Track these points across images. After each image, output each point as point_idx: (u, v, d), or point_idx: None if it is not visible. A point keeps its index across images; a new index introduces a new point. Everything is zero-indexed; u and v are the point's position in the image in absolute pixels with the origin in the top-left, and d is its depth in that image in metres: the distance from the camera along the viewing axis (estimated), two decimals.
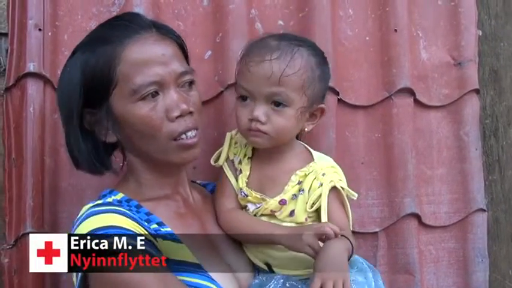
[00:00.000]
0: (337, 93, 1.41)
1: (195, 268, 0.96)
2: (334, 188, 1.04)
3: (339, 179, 1.05)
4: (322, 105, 1.08)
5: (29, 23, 1.22)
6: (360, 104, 1.45)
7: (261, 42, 1.06)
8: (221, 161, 1.12)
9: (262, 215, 1.07)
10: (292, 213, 1.04)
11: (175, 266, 0.94)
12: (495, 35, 1.63)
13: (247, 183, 1.08)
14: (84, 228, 0.91)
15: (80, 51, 1.02)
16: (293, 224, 1.04)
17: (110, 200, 1.01)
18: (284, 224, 1.04)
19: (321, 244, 0.96)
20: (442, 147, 1.54)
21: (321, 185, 1.03)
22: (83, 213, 0.95)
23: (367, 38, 1.48)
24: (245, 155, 1.11)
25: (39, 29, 1.22)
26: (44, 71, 1.22)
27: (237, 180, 1.09)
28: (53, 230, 1.22)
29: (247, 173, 1.08)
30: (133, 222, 0.93)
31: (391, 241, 1.44)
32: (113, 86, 0.98)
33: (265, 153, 1.09)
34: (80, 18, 1.28)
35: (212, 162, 1.13)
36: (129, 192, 1.03)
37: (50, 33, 1.24)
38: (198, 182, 1.22)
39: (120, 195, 1.02)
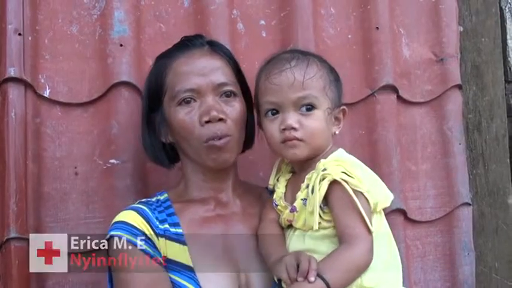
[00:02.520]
0: None
1: (186, 270, 1.03)
2: (336, 183, 0.96)
3: (342, 171, 0.97)
4: (344, 107, 1.11)
5: (9, 27, 1.20)
6: (344, 101, 1.44)
7: (274, 58, 1.10)
8: (271, 184, 1.14)
9: (287, 226, 1.07)
10: (306, 221, 1.01)
11: (170, 264, 1.03)
12: (476, 31, 1.64)
13: (284, 195, 1.09)
14: (114, 219, 1.06)
15: (153, 64, 1.17)
16: (315, 234, 1.00)
17: (153, 199, 1.13)
18: (307, 234, 1.01)
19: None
20: (426, 142, 1.55)
21: (322, 181, 0.97)
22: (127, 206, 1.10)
23: (349, 36, 1.48)
24: (288, 169, 1.13)
25: (19, 34, 1.21)
26: (24, 76, 1.21)
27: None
28: None
29: (284, 184, 1.11)
30: (142, 220, 1.05)
31: None
32: (163, 93, 1.11)
33: (299, 163, 1.08)
34: (61, 22, 1.27)
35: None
36: (173, 194, 1.14)
37: (30, 38, 1.23)
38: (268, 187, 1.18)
39: (164, 196, 1.14)
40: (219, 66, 1.11)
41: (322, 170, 0.99)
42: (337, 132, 1.10)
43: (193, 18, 1.36)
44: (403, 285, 1.05)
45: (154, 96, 1.13)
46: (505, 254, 1.61)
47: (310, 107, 1.03)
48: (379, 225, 1.03)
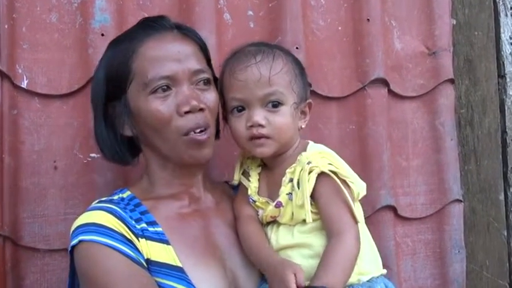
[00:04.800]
0: (310, 85, 1.37)
1: (175, 271, 0.95)
2: (323, 175, 0.97)
3: (328, 163, 0.99)
4: (310, 100, 1.10)
5: None
6: (333, 95, 1.43)
7: (238, 52, 1.06)
8: (236, 179, 1.11)
9: (268, 223, 1.05)
10: (293, 215, 1.00)
11: (155, 267, 0.94)
12: (469, 24, 1.61)
13: (258, 190, 1.07)
14: (76, 222, 0.97)
15: (108, 49, 1.07)
16: (304, 228, 1.00)
17: (115, 197, 1.04)
18: (295, 228, 1.00)
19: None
20: (417, 138, 1.53)
21: (309, 174, 0.97)
22: (88, 207, 1.01)
23: (340, 28, 1.45)
24: (255, 163, 1.11)
25: None
26: (0, 66, 1.16)
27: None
28: (14, 232, 1.17)
29: (256, 178, 1.08)
30: (117, 221, 0.95)
31: None
32: (129, 81, 1.01)
33: (270, 158, 1.07)
34: (39, 10, 1.23)
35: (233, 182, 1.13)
36: (137, 191, 1.06)
37: (6, 26, 1.18)
38: (231, 183, 1.16)
39: (127, 194, 1.05)
40: (193, 52, 1.04)
41: (307, 163, 0.98)
42: (303, 126, 1.08)
43: (178, 8, 1.32)
44: (391, 281, 1.06)
45: (116, 83, 1.02)
46: (496, 251, 1.60)
47: (277, 103, 1.02)
48: (361, 213, 1.06)
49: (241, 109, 1.03)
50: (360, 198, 1.06)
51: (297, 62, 1.08)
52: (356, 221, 0.98)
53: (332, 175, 0.97)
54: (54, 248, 1.19)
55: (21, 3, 1.21)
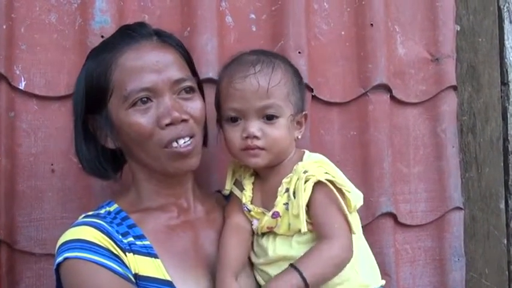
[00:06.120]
0: (311, 90, 1.36)
1: (164, 285, 0.93)
2: (319, 184, 0.96)
3: (325, 172, 0.98)
4: (306, 112, 1.09)
5: None
6: (335, 100, 1.41)
7: (236, 59, 1.04)
8: (227, 188, 1.10)
9: (263, 234, 1.04)
10: (290, 226, 0.99)
11: (143, 282, 0.92)
12: (473, 30, 1.60)
13: (251, 199, 1.06)
14: (61, 238, 0.95)
15: (88, 58, 1.04)
16: (302, 238, 0.99)
17: (102, 211, 1.01)
18: (293, 239, 0.99)
19: None
20: (419, 144, 1.51)
21: (305, 183, 0.96)
22: (74, 222, 0.98)
23: (343, 33, 1.43)
24: (248, 172, 1.09)
25: None
26: None
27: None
28: (10, 236, 1.15)
29: (250, 187, 1.07)
30: (104, 236, 0.93)
31: (367, 241, 1.40)
32: (109, 93, 0.98)
33: (264, 169, 1.06)
34: (38, 10, 1.21)
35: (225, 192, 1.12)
36: (124, 204, 1.03)
37: (4, 26, 1.16)
38: (223, 192, 1.14)
39: (114, 207, 1.02)
40: (173, 60, 1.00)
41: (304, 172, 0.97)
42: (299, 137, 1.07)
43: (180, 10, 1.30)
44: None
45: (96, 96, 0.99)
46: (495, 260, 1.59)
47: (273, 116, 1.01)
48: (357, 226, 1.05)
49: (236, 119, 1.01)
50: (357, 208, 1.05)
51: (295, 72, 1.07)
52: (351, 229, 0.97)
53: (328, 184, 0.96)
54: (50, 252, 1.17)
55: (20, 3, 1.19)
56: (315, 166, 1.00)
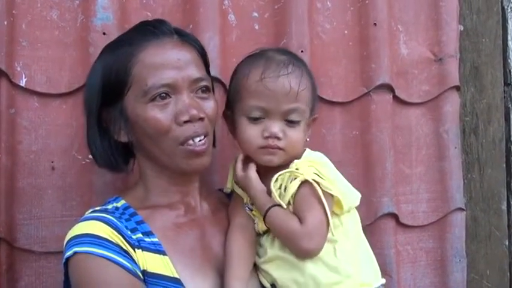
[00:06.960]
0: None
1: (172, 283, 0.93)
2: (306, 183, 0.97)
3: (314, 173, 0.98)
4: (317, 115, 1.11)
5: None
6: (337, 100, 1.40)
7: (265, 57, 1.03)
8: (229, 186, 1.09)
9: (264, 232, 1.03)
10: None
11: (151, 279, 0.93)
12: (477, 31, 1.59)
13: None
14: (70, 232, 0.94)
15: (104, 52, 1.04)
16: None
17: (109, 206, 1.01)
18: None
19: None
20: (421, 145, 1.51)
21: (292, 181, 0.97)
22: (81, 217, 0.98)
23: (346, 32, 1.42)
24: None
25: None
26: None
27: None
28: (10, 233, 1.15)
29: None
30: (113, 231, 0.92)
31: (368, 241, 1.40)
32: (127, 87, 0.99)
33: (270, 167, 1.03)
34: (40, 6, 1.20)
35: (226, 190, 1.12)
36: (132, 200, 1.03)
37: (5, 23, 1.16)
38: (224, 190, 1.15)
39: (121, 203, 1.02)
40: (193, 59, 1.02)
41: (295, 169, 0.98)
42: (308, 140, 1.08)
43: (182, 8, 1.29)
44: None
45: (113, 89, 0.99)
46: (497, 261, 1.58)
47: (297, 119, 1.01)
48: (354, 224, 1.05)
49: (259, 117, 1.00)
50: (353, 207, 1.05)
51: (312, 76, 1.07)
52: (328, 228, 0.95)
53: (314, 184, 0.96)
54: (50, 250, 1.17)
55: None
56: (306, 165, 1.00)
